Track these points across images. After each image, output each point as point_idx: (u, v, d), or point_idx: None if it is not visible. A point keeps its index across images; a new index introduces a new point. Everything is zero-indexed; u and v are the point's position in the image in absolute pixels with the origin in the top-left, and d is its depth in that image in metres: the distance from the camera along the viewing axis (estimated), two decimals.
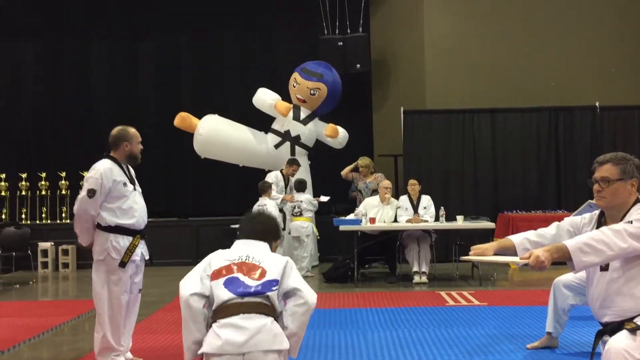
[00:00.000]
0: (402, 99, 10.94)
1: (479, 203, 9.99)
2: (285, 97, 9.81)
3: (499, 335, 4.99)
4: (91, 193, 4.14)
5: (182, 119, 9.48)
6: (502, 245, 3.03)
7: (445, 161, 10.30)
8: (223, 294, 2.43)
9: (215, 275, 2.51)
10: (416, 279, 7.92)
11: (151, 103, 11.81)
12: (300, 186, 8.85)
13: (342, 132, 9.64)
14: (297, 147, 9.68)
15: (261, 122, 9.96)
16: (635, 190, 2.85)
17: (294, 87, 9.74)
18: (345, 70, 10.55)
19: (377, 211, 8.32)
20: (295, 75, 9.78)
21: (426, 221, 8.13)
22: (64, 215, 10.88)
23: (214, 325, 2.41)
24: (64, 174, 10.86)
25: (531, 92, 10.53)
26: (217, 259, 2.61)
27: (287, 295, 2.51)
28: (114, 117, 11.64)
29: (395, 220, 8.31)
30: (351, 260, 8.05)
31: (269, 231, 2.82)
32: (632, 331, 2.56)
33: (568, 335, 4.78)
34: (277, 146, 9.67)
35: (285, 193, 8.89)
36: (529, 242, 3.00)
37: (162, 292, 7.28)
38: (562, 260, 2.68)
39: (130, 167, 4.45)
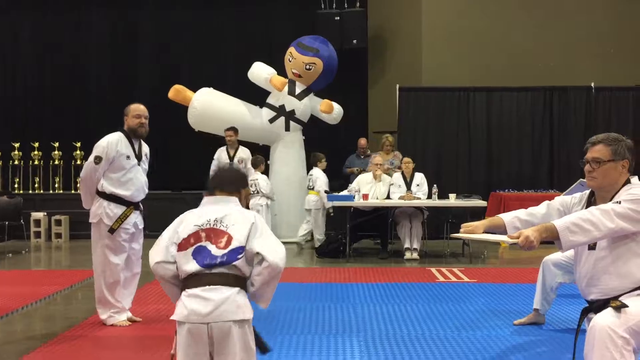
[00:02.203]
0: (398, 76, 10.90)
1: (472, 181, 10.03)
2: (281, 71, 9.75)
3: (487, 311, 5.07)
4: (97, 160, 4.55)
5: (177, 91, 9.43)
6: (492, 223, 3.06)
7: (439, 139, 10.31)
8: (190, 267, 2.50)
9: (184, 245, 2.56)
10: (407, 255, 7.99)
11: (146, 76, 11.70)
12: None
13: (337, 108, 9.61)
14: (291, 122, 9.66)
15: (256, 96, 9.91)
16: (626, 171, 2.88)
17: (290, 61, 9.68)
18: (342, 45, 10.47)
19: (370, 187, 8.35)
20: (291, 49, 9.71)
21: (419, 198, 8.18)
22: (56, 185, 10.86)
23: (182, 294, 2.51)
24: (57, 144, 10.81)
25: (527, 71, 10.51)
26: (186, 225, 2.62)
27: (254, 258, 2.54)
28: (108, 90, 11.59)
29: (388, 197, 8.35)
30: (343, 235, 8.10)
31: (236, 179, 2.77)
32: (617, 309, 2.61)
33: (555, 313, 4.86)
34: (271, 120, 9.64)
35: None
36: (519, 220, 3.03)
37: None
38: (550, 240, 2.71)
39: (142, 142, 4.79)
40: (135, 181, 4.64)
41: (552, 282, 4.56)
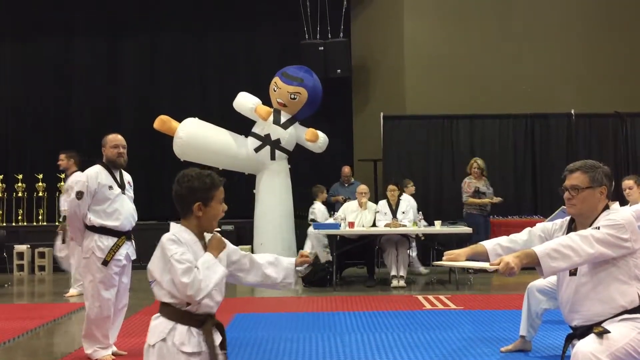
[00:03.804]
0: (382, 104, 11.03)
1: (457, 208, 10.08)
2: (266, 101, 9.83)
3: (474, 339, 5.06)
4: (79, 195, 4.54)
5: (162, 121, 9.45)
6: (474, 250, 3.09)
7: (424, 166, 10.40)
8: None
9: None
10: (394, 282, 7.98)
11: (131, 106, 11.74)
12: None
13: (322, 137, 9.68)
14: (277, 151, 9.70)
15: (242, 126, 9.96)
16: (605, 198, 2.93)
17: (275, 91, 9.76)
18: (326, 75, 10.60)
19: (356, 215, 8.38)
20: (276, 79, 9.80)
21: (404, 226, 8.21)
22: (40, 217, 10.76)
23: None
24: (41, 176, 10.75)
25: (509, 99, 10.69)
26: None
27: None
28: (92, 120, 11.58)
29: (374, 225, 8.37)
30: (330, 264, 8.09)
31: (177, 201, 2.49)
32: (600, 335, 2.64)
33: (541, 339, 4.87)
34: (257, 150, 9.67)
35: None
36: (501, 247, 3.06)
37: (141, 296, 7.24)
38: (531, 266, 2.74)
39: (123, 171, 4.79)
40: (122, 210, 4.63)
41: (537, 308, 4.59)
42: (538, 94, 10.77)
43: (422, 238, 8.60)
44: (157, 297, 2.43)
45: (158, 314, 2.44)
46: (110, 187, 4.61)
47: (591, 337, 2.66)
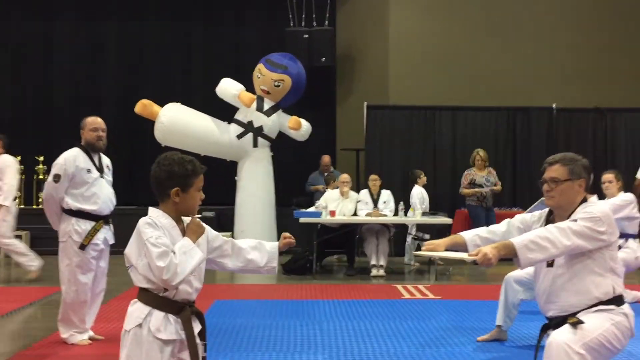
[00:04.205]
0: (366, 94, 11.03)
1: (437, 199, 10.15)
2: (250, 88, 9.77)
3: (451, 328, 5.12)
4: (56, 178, 4.45)
5: (144, 106, 9.34)
6: (454, 241, 3.11)
7: (406, 157, 10.44)
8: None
9: None
10: (374, 272, 8.02)
11: (113, 90, 11.60)
12: (414, 176, 9.13)
13: (305, 125, 9.65)
14: (259, 139, 9.66)
15: (224, 112, 9.90)
16: (583, 190, 2.96)
17: (258, 78, 9.70)
18: (310, 63, 10.56)
19: (337, 204, 8.40)
20: (260, 66, 9.74)
21: (385, 215, 8.25)
22: (17, 200, 10.59)
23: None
24: (19, 158, 10.56)
25: (491, 91, 10.76)
26: None
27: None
28: (73, 104, 11.43)
29: (355, 214, 8.40)
30: (310, 252, 8.11)
31: (154, 184, 2.44)
32: (574, 325, 2.68)
33: (517, 329, 4.94)
34: (239, 137, 9.62)
35: None
36: (480, 238, 3.08)
37: (119, 280, 7.19)
38: (509, 257, 2.77)
39: (102, 155, 4.70)
40: (100, 194, 4.56)
41: (514, 298, 4.65)
42: (520, 88, 10.85)
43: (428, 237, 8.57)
44: (135, 282, 2.40)
45: (136, 300, 2.41)
46: (89, 171, 4.53)
47: (566, 328, 2.70)
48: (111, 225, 4.71)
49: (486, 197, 9.14)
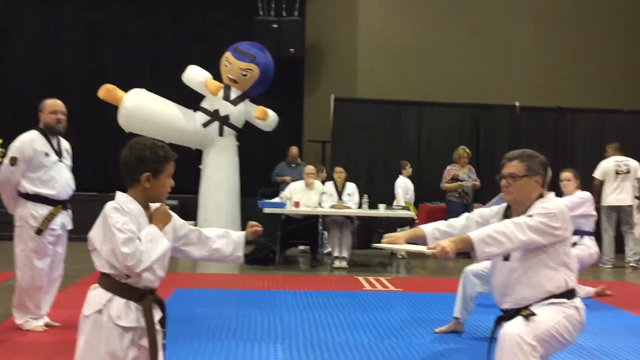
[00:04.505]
0: (334, 86, 11.05)
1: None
2: (218, 76, 9.68)
3: (410, 320, 5.19)
4: (13, 161, 4.35)
5: (108, 91, 9.17)
6: (414, 234, 3.15)
7: (372, 150, 10.51)
8: None
9: None
10: (336, 263, 8.07)
11: (77, 74, 11.34)
12: (402, 166, 9.40)
13: (272, 115, 9.62)
14: (225, 127, 9.59)
15: (190, 100, 9.78)
16: (540, 186, 3.03)
17: (226, 66, 9.62)
18: (279, 53, 10.51)
19: (302, 195, 8.41)
20: (228, 54, 9.65)
21: (349, 208, 8.29)
22: None
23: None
24: None
25: (457, 88, 10.91)
26: None
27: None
28: (35, 87, 11.12)
29: (320, 206, 8.42)
30: (274, 243, 8.11)
31: (124, 168, 2.39)
32: (527, 317, 2.74)
33: (474, 321, 5.03)
34: (205, 125, 9.54)
35: None
36: (439, 232, 3.13)
37: (78, 267, 7.08)
38: (466, 251, 2.82)
39: (61, 138, 4.59)
40: (58, 179, 4.47)
41: (472, 291, 4.74)
42: (486, 85, 11.03)
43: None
44: (97, 267, 2.36)
45: (96, 285, 2.37)
46: (47, 154, 4.43)
47: (518, 320, 2.76)
48: (69, 211, 4.63)
49: (467, 193, 9.27)
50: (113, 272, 2.32)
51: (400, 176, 9.18)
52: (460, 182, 9.10)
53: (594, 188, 8.87)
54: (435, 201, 9.95)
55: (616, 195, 8.80)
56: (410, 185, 9.16)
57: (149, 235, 2.31)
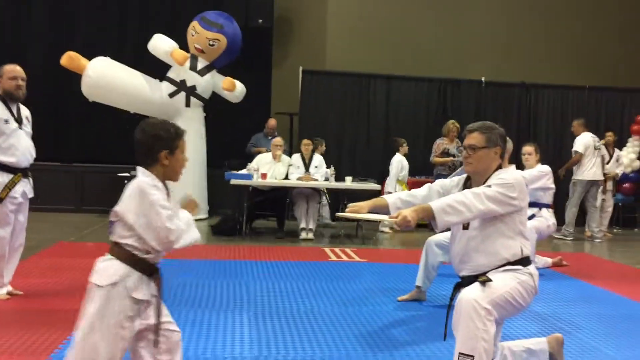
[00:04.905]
0: (302, 58, 10.99)
1: (369, 166, 10.34)
2: (184, 46, 9.54)
3: (374, 289, 5.30)
4: None
5: (70, 58, 8.96)
6: (376, 203, 3.21)
7: (340, 123, 10.54)
8: None
9: None
10: (303, 235, 8.14)
11: (39, 40, 11.01)
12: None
13: (240, 86, 9.55)
14: (192, 98, 9.50)
15: (156, 69, 9.63)
16: (499, 158, 3.11)
17: (193, 36, 9.47)
18: (247, 24, 10.39)
19: (269, 167, 8.42)
20: (195, 24, 9.50)
21: (316, 180, 8.34)
22: None
23: None
24: None
25: (425, 62, 10.98)
26: None
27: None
28: None
29: (287, 178, 8.45)
30: (240, 214, 8.12)
31: (141, 149, 2.44)
32: (483, 283, 2.84)
33: (435, 290, 5.17)
34: (171, 95, 9.42)
35: None
36: (401, 201, 3.20)
37: (41, 237, 7.01)
38: (427, 220, 2.89)
39: (21, 105, 4.49)
40: (18, 146, 4.39)
41: (434, 261, 4.86)
42: (453, 60, 11.12)
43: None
44: (116, 238, 2.40)
45: (110, 256, 2.40)
46: (6, 121, 4.34)
47: (475, 285, 2.86)
48: (30, 179, 4.56)
49: (457, 167, 9.34)
50: (137, 245, 2.38)
51: (397, 153, 9.21)
52: (452, 157, 9.15)
53: (571, 162, 9.07)
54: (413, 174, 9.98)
55: (594, 169, 9.03)
56: (405, 163, 9.18)
57: (187, 220, 2.47)
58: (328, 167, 8.52)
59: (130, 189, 2.39)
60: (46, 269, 5.52)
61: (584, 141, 9.07)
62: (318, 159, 8.65)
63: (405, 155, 9.27)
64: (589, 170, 9.03)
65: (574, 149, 9.10)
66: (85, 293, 2.40)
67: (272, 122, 10.11)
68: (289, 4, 11.52)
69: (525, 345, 3.15)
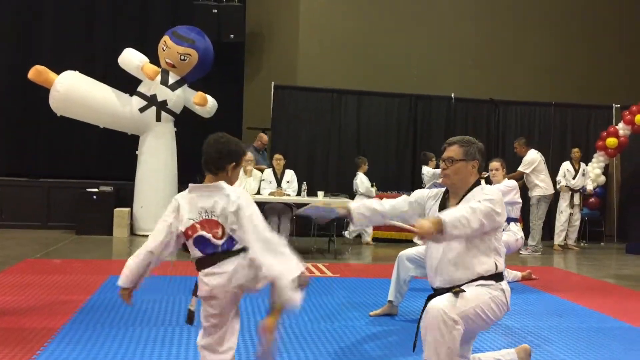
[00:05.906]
0: (274, 73, 11.02)
1: (341, 181, 10.35)
2: (155, 61, 9.48)
3: (346, 304, 5.29)
4: None
5: (38, 72, 8.83)
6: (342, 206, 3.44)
7: (312, 138, 10.57)
8: (196, 253, 2.82)
9: (185, 235, 2.80)
10: None
11: (5, 54, 10.83)
12: (358, 163, 9.71)
13: (211, 101, 9.52)
14: (163, 113, 9.43)
15: (126, 84, 9.54)
16: (476, 172, 3.13)
17: (164, 50, 9.43)
18: (219, 38, 10.39)
19: (241, 182, 8.37)
20: (166, 38, 9.46)
21: (288, 195, 8.33)
22: None
23: (200, 273, 2.84)
24: None
25: (396, 77, 11.11)
26: (183, 220, 2.77)
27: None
28: None
29: (259, 193, 8.42)
30: None
31: (219, 158, 2.79)
32: (456, 294, 2.85)
33: (407, 304, 5.18)
34: (142, 110, 9.34)
35: None
36: (366, 208, 3.34)
37: (7, 254, 6.84)
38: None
39: None
40: None
41: (406, 275, 4.87)
42: (424, 76, 11.27)
43: None
44: (243, 243, 2.70)
45: (242, 256, 2.73)
46: None
47: (446, 295, 2.86)
48: None
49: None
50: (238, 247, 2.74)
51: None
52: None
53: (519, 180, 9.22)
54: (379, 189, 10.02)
55: (549, 181, 9.28)
56: (365, 179, 9.53)
57: None
58: (301, 183, 8.52)
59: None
60: (12, 286, 5.38)
61: (529, 159, 9.18)
62: (290, 174, 8.64)
63: (365, 173, 9.53)
64: (549, 184, 9.25)
65: (520, 169, 9.20)
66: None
67: (264, 137, 10.09)
68: (261, 19, 11.56)
69: (495, 356, 3.18)
